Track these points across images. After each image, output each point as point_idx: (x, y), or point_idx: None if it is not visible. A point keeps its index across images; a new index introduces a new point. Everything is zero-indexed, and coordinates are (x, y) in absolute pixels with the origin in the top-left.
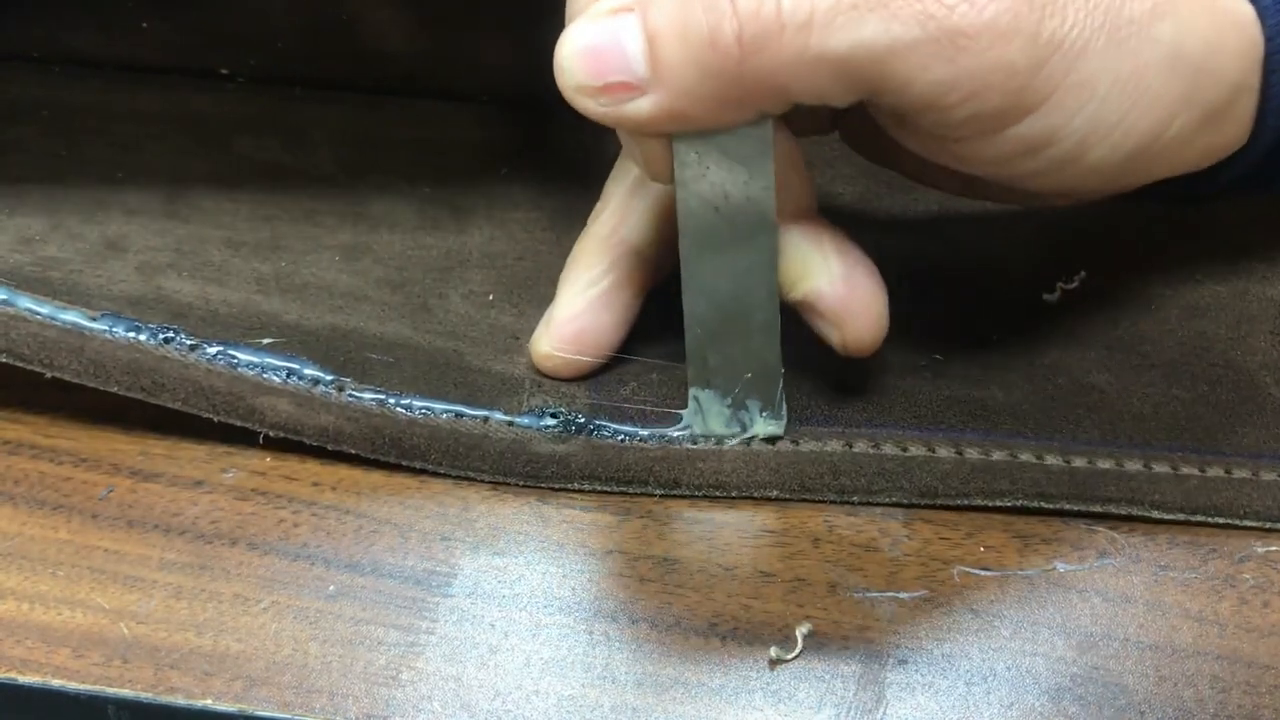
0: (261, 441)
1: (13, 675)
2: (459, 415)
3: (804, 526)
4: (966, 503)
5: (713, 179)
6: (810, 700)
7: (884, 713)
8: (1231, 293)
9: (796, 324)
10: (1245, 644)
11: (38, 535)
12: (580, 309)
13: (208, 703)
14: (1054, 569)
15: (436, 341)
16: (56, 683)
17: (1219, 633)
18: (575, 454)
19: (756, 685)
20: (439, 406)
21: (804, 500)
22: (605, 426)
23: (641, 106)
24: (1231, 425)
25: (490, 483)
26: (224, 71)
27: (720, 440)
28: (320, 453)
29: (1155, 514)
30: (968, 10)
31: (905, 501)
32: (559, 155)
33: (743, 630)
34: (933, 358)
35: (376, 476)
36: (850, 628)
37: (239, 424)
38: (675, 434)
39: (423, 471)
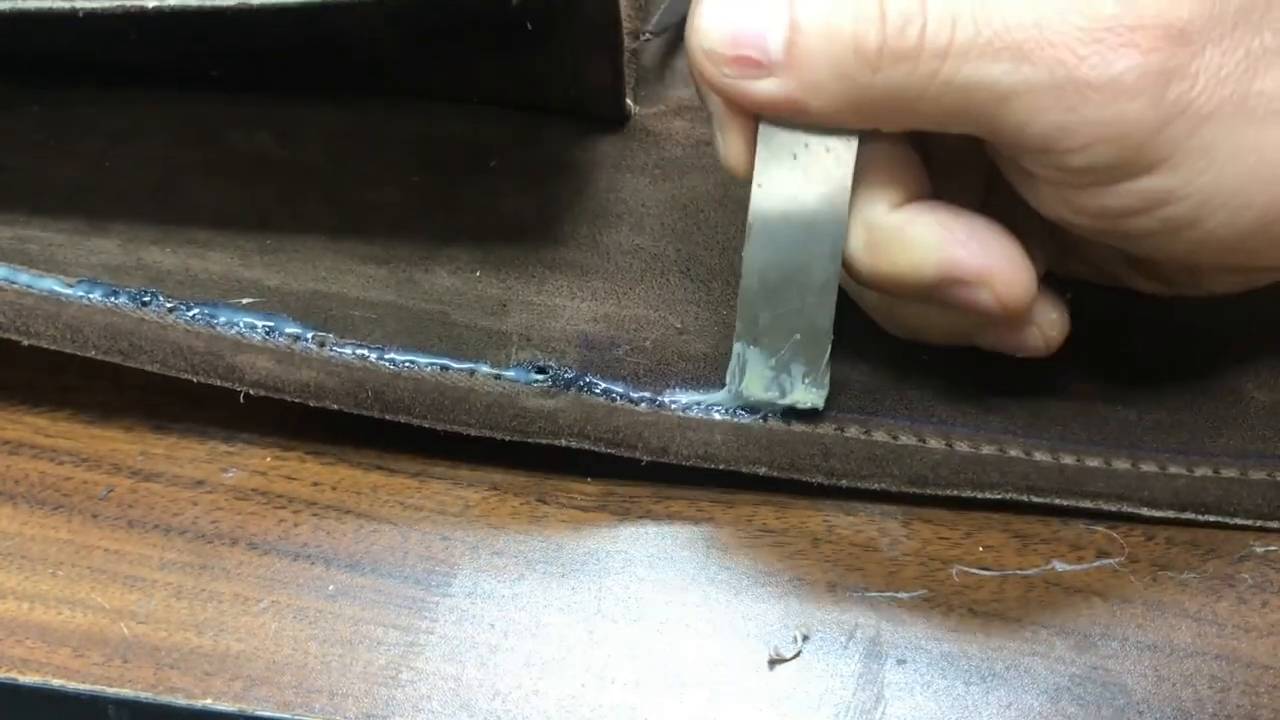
0: (243, 400)
1: (13, 675)
2: (444, 368)
3: (803, 526)
4: (955, 493)
5: (796, 127)
6: (810, 700)
7: (883, 712)
8: (1211, 304)
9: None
10: (1244, 644)
11: (38, 535)
12: None
13: (208, 703)
14: (1052, 568)
15: (421, 305)
16: (56, 683)
17: (1217, 632)
18: (564, 410)
19: (756, 685)
20: (423, 360)
21: (793, 481)
22: (595, 384)
23: (763, 87)
24: (1216, 429)
25: (477, 435)
26: (215, 74)
27: (755, 409)
28: (320, 452)
29: (1145, 511)
30: (1097, 63)
31: (894, 489)
32: (549, 150)
33: (742, 630)
34: (920, 357)
35: (376, 476)
36: (849, 628)
37: (219, 383)
38: (677, 400)
39: (422, 472)
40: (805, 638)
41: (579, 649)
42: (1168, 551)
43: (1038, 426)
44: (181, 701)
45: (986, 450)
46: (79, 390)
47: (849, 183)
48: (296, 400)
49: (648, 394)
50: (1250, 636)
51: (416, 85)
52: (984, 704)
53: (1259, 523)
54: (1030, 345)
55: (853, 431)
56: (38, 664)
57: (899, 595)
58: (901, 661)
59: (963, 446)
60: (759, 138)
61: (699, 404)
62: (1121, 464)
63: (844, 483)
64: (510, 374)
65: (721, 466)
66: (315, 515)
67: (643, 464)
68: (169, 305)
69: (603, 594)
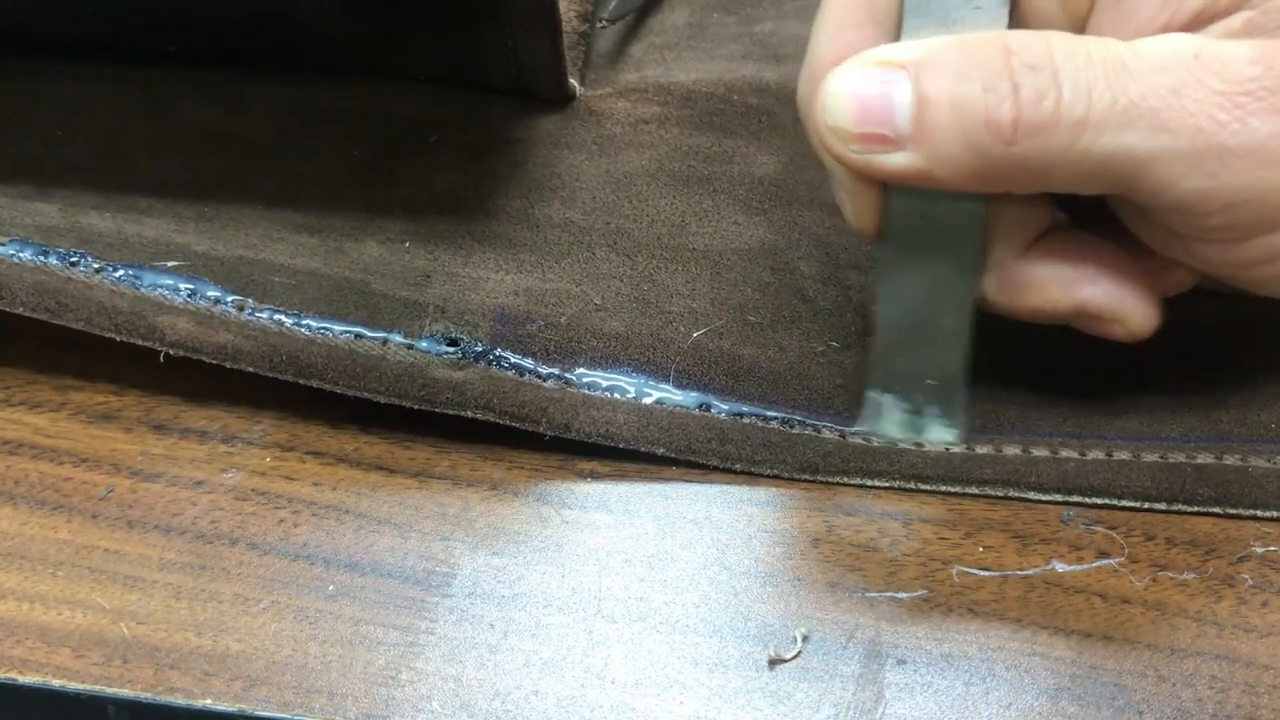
0: (162, 359)
1: (13, 675)
2: (358, 336)
3: (803, 526)
4: (844, 480)
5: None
6: (809, 700)
7: (883, 713)
8: None
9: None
10: (1244, 644)
11: (38, 535)
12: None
13: (208, 703)
14: (1052, 569)
15: (345, 273)
16: (56, 683)
17: (1217, 633)
18: (472, 382)
19: (756, 685)
20: (338, 327)
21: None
22: (504, 358)
23: (893, 160)
24: (1115, 413)
25: (386, 402)
26: (170, 50)
27: (893, 443)
28: (320, 452)
29: (1032, 495)
30: (1239, 129)
31: (785, 474)
32: (491, 128)
33: (742, 630)
34: (829, 344)
35: (376, 476)
36: (849, 628)
37: (140, 343)
38: (571, 376)
39: (422, 472)
40: (805, 638)
41: (579, 649)
42: (1168, 552)
43: None
44: (181, 701)
45: (878, 441)
46: (79, 390)
47: (980, 240)
48: (213, 361)
49: (556, 370)
50: (1250, 637)
51: (367, 64)
52: (984, 704)
53: (1146, 505)
54: (1113, 335)
55: (750, 419)
56: (38, 664)
57: (899, 595)
58: (901, 662)
59: (855, 438)
60: (887, 198)
61: (559, 377)
62: (1012, 450)
63: (738, 467)
64: (422, 345)
65: (621, 445)
66: (315, 515)
67: (546, 439)
68: (96, 266)
69: (603, 594)
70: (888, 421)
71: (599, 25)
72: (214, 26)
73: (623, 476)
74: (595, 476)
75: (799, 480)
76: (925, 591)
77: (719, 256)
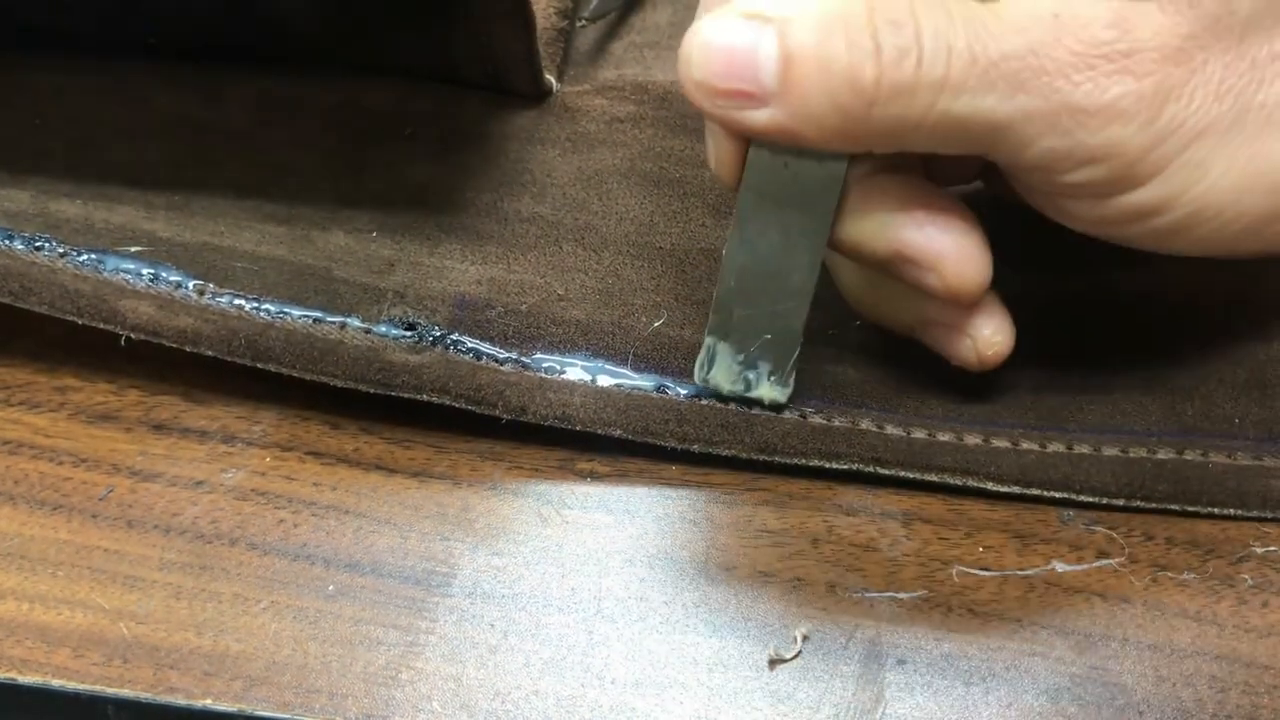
0: (124, 343)
1: (13, 675)
2: (316, 321)
3: (803, 527)
4: (803, 462)
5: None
6: (809, 700)
7: (883, 713)
8: (1088, 285)
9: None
10: (1244, 644)
11: (38, 535)
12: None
13: (208, 703)
14: (1053, 569)
15: (308, 261)
16: (56, 683)
17: (1217, 633)
18: (428, 366)
19: (756, 685)
20: (297, 312)
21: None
22: (462, 342)
23: (757, 117)
24: (1079, 404)
25: (343, 386)
26: (151, 43)
27: (722, 398)
28: (320, 452)
29: (990, 485)
30: (1091, 89)
31: (743, 455)
32: (465, 122)
33: (742, 630)
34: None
35: (376, 476)
36: (849, 628)
37: (102, 326)
38: (529, 360)
39: (422, 472)
40: (805, 638)
41: (579, 649)
42: (1168, 552)
43: (894, 402)
44: (181, 702)
45: (838, 422)
46: (78, 390)
47: (836, 197)
48: (174, 345)
49: (514, 355)
50: (1250, 637)
51: (344, 57)
52: (984, 704)
53: (1105, 500)
54: (962, 356)
55: (708, 399)
56: (37, 664)
57: (899, 595)
58: (901, 662)
59: (816, 419)
60: (750, 148)
61: (517, 361)
62: (973, 439)
63: (696, 448)
64: (379, 329)
65: (578, 428)
66: (315, 515)
67: (503, 422)
68: (60, 251)
69: (603, 594)
70: (720, 371)
71: (579, 23)
72: (193, 20)
73: (623, 476)
74: (595, 477)
75: (798, 478)
76: (925, 591)
77: (685, 255)
